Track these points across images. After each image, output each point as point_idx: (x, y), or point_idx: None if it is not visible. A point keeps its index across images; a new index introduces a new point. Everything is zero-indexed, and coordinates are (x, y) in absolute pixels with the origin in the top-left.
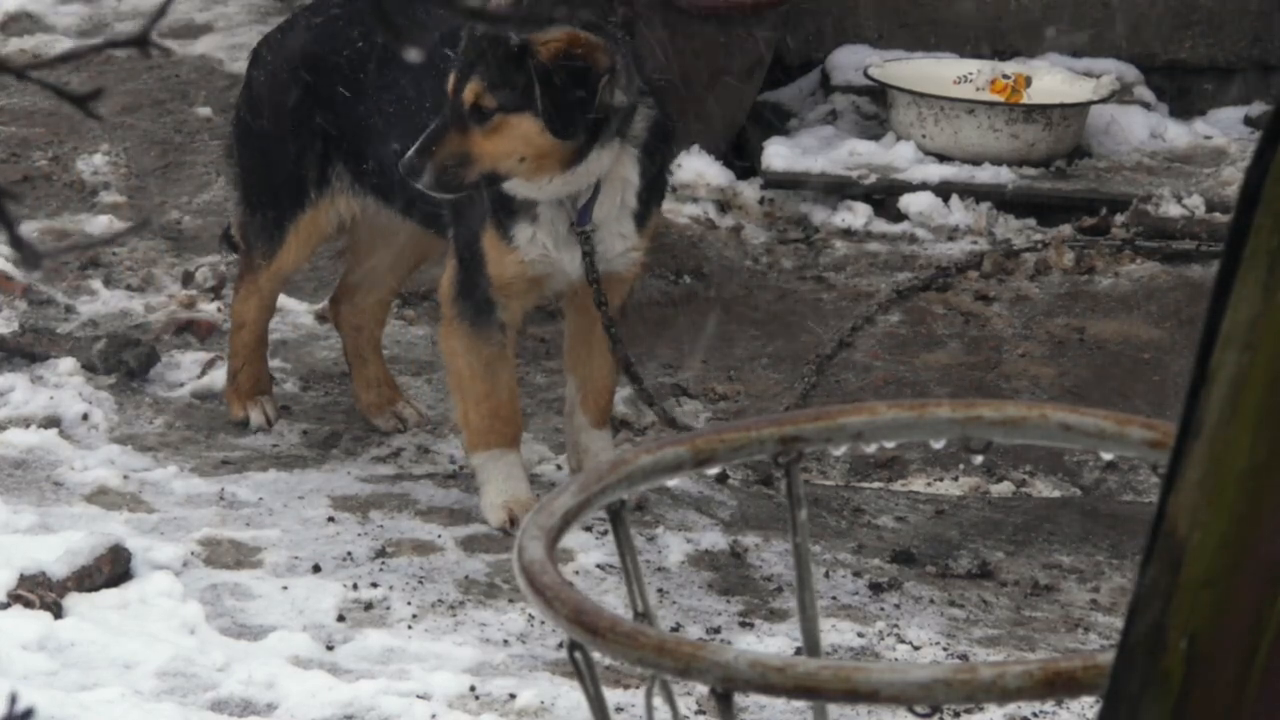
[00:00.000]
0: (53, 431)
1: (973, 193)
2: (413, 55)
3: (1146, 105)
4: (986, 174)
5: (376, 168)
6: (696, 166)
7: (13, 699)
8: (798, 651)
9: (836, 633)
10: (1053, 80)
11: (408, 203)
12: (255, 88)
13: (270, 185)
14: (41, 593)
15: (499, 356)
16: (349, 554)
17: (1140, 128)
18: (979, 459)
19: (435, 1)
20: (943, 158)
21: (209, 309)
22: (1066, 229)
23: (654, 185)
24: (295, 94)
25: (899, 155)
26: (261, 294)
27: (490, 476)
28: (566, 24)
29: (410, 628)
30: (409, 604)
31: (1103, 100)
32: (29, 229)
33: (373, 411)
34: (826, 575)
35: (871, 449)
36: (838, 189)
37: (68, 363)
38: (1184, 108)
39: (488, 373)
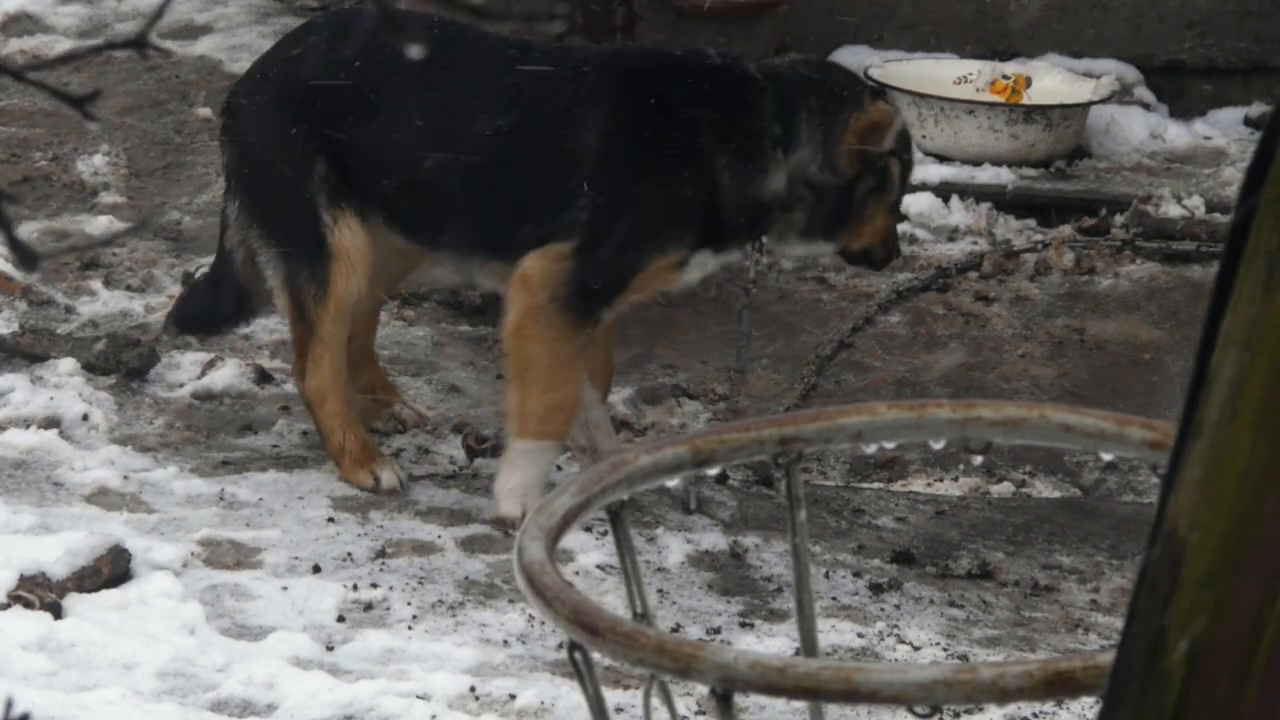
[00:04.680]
0: (53, 432)
1: (973, 193)
2: (414, 51)
3: (1146, 106)
4: (986, 175)
5: (408, 199)
6: None
7: (9, 704)
8: (798, 652)
9: (836, 633)
10: (1053, 81)
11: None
12: (250, 135)
13: (290, 225)
14: (41, 593)
15: (579, 354)
16: (349, 554)
17: (1140, 128)
18: (979, 459)
19: (437, 1)
20: (943, 158)
21: None
22: (1066, 229)
23: None
24: (297, 126)
25: None
26: (330, 351)
27: (522, 464)
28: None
29: (410, 628)
30: (409, 604)
31: (1102, 101)
32: (29, 229)
33: (370, 417)
34: (826, 575)
35: (871, 449)
36: None
37: (68, 363)
38: (1184, 108)
39: (565, 366)
